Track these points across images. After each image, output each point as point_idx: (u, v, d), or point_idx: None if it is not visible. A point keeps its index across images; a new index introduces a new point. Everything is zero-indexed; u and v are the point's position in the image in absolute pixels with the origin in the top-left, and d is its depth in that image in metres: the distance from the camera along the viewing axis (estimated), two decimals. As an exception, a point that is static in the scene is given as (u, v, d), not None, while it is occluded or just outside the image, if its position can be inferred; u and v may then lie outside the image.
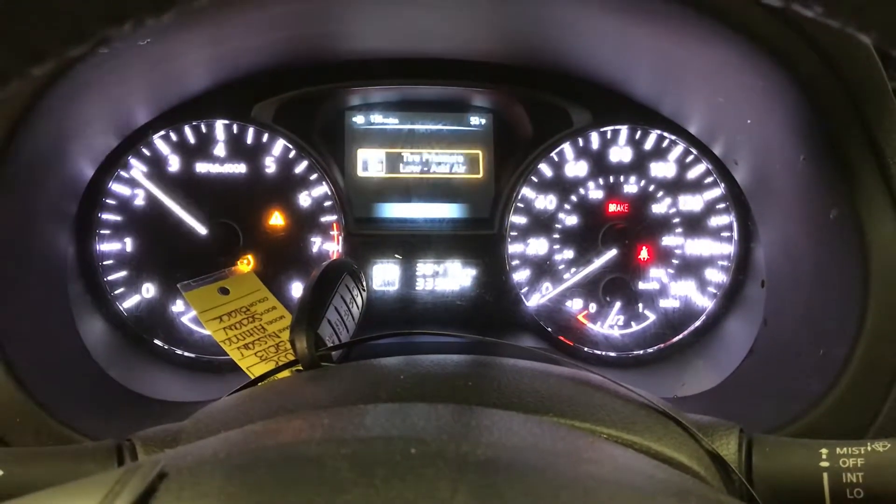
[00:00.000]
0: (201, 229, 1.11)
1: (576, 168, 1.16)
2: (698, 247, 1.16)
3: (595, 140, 1.16)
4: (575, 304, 1.17)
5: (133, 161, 1.09)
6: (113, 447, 0.57)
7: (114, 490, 0.35)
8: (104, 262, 1.08)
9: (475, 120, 1.19)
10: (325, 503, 0.33)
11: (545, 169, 1.16)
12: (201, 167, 1.11)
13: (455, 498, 0.33)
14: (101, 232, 1.08)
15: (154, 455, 0.55)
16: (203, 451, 0.42)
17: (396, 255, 1.15)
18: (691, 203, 1.15)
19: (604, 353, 1.16)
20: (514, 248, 1.16)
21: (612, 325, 1.16)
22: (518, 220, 1.16)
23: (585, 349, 1.16)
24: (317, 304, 0.79)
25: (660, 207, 1.16)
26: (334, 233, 1.14)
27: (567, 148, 1.15)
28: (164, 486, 0.36)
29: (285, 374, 0.74)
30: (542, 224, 1.16)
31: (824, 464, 0.54)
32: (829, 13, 0.31)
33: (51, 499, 0.37)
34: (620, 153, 1.16)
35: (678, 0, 0.71)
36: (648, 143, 1.16)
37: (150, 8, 0.30)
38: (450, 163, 1.19)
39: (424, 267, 1.16)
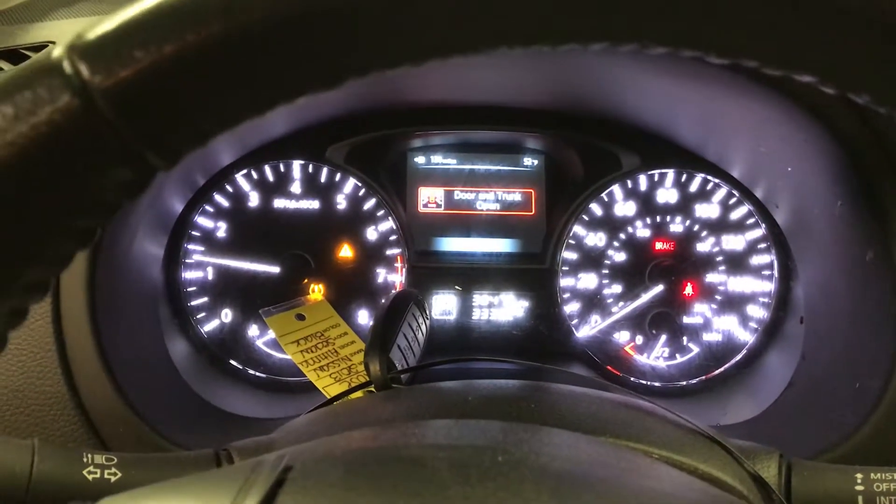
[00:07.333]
0: (275, 261, 1.19)
1: (624, 208, 1.23)
2: (740, 284, 1.20)
3: (643, 182, 1.22)
4: (622, 336, 1.22)
5: (217, 197, 1.19)
6: (212, 455, 0.63)
7: (249, 479, 0.39)
8: (188, 289, 1.18)
9: (528, 161, 1.26)
10: (433, 496, 0.37)
11: (595, 208, 1.22)
12: (278, 203, 1.20)
13: (540, 498, 0.37)
14: (186, 261, 1.18)
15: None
16: (318, 449, 0.46)
17: (456, 287, 1.22)
18: (734, 243, 1.21)
19: (650, 382, 1.21)
20: (565, 281, 1.23)
21: (657, 356, 1.21)
22: (569, 255, 1.23)
23: (632, 379, 1.21)
24: (388, 331, 0.86)
25: (704, 246, 1.21)
26: (398, 265, 1.22)
27: (616, 189, 1.22)
28: (291, 476, 0.39)
29: (358, 394, 0.82)
30: (592, 260, 1.23)
31: (859, 487, 0.57)
32: (822, 83, 0.34)
33: (188, 486, 0.41)
34: (667, 195, 1.22)
35: (726, 67, 0.78)
36: (694, 186, 1.22)
37: (324, 86, 0.33)
38: (504, 201, 1.26)
39: (481, 298, 1.23)
